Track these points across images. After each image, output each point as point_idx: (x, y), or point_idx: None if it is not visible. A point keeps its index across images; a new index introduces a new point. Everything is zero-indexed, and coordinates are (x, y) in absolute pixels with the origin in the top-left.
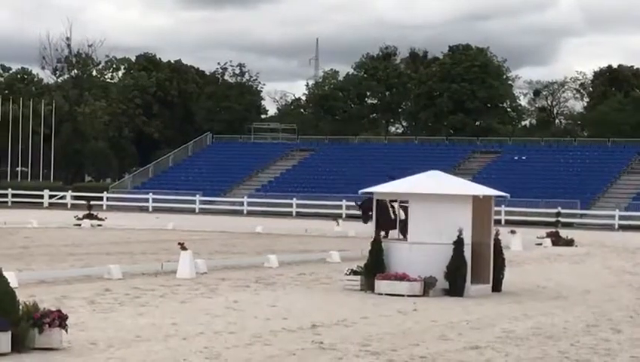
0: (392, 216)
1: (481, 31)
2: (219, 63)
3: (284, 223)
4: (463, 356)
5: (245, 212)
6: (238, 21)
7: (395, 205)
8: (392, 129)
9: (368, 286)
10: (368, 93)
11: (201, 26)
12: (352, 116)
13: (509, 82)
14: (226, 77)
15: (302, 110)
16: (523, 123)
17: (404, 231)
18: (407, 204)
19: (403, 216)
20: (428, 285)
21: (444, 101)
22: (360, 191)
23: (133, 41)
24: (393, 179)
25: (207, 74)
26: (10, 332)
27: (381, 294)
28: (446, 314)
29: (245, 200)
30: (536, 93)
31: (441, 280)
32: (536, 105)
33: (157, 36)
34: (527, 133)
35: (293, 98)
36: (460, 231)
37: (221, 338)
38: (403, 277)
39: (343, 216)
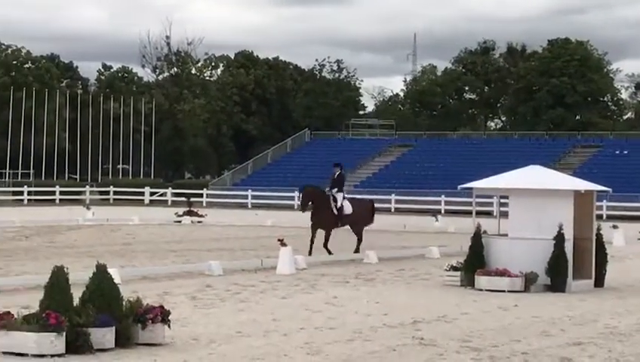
0: (335, 211)
1: (577, 24)
2: (316, 60)
3: (383, 219)
4: (566, 352)
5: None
6: (333, 17)
7: (339, 197)
8: (491, 124)
9: (468, 282)
10: (467, 88)
11: (296, 22)
12: (450, 111)
13: (610, 76)
14: (324, 73)
15: (400, 106)
16: (624, 117)
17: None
18: (358, 197)
19: (350, 211)
20: (529, 281)
21: (543, 95)
22: (459, 186)
23: (231, 38)
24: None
25: (305, 70)
26: (114, 328)
27: (481, 290)
28: (548, 310)
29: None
30: (638, 86)
31: (543, 275)
32: (638, 99)
33: (254, 33)
34: (628, 127)
35: (390, 94)
36: (561, 227)
37: (321, 333)
38: (504, 273)
39: (442, 211)
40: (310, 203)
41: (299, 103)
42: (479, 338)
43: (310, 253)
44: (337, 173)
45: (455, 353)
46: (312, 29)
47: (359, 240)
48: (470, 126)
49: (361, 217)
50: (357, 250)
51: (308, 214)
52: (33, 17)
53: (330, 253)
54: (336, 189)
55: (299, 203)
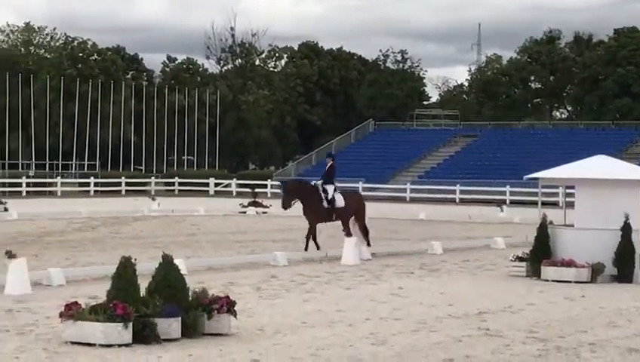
0: (326, 205)
1: None
2: (380, 50)
3: (448, 210)
4: (633, 343)
5: (408, 198)
6: (396, 7)
7: (330, 189)
8: (556, 114)
9: (534, 273)
10: (532, 78)
11: (359, 12)
12: (515, 101)
13: None
14: (388, 63)
15: (464, 96)
16: None
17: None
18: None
19: (342, 204)
20: (596, 271)
21: (609, 85)
22: (525, 176)
23: (295, 29)
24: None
25: (369, 61)
26: (180, 318)
27: (547, 280)
28: (614, 301)
29: (408, 186)
30: None
31: (609, 266)
32: None
33: (318, 24)
34: None
35: (455, 84)
36: (627, 217)
37: (387, 324)
38: (570, 264)
39: (507, 202)
40: (295, 199)
41: (363, 94)
42: (545, 329)
43: (316, 247)
44: (329, 165)
45: (521, 344)
46: (375, 19)
47: (366, 233)
48: (535, 116)
49: (357, 209)
50: (368, 243)
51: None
52: (99, 10)
53: (317, 246)
54: (323, 181)
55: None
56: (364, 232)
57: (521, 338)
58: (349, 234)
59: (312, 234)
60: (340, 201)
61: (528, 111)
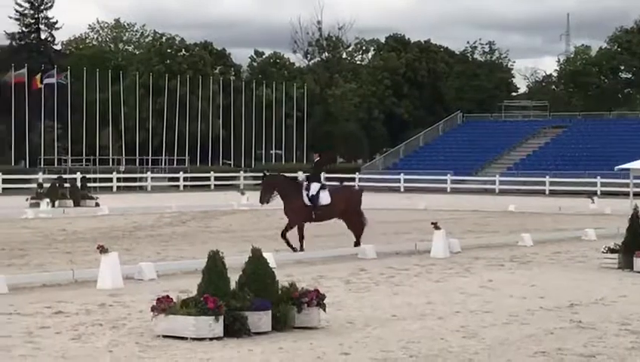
0: (307, 202)
1: None
2: (468, 42)
3: (537, 201)
4: None
5: (497, 191)
6: None
7: (313, 186)
8: None
9: (626, 264)
10: (622, 68)
11: (445, 4)
12: (605, 91)
13: None
14: (475, 55)
15: (553, 87)
16: None
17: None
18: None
19: (327, 201)
20: None
21: None
22: (616, 167)
23: (382, 22)
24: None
25: (456, 53)
26: (270, 312)
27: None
28: None
29: (497, 178)
30: None
31: None
32: None
33: (405, 17)
34: None
35: (543, 75)
36: None
37: (477, 317)
38: None
39: (598, 193)
40: (274, 194)
41: (450, 86)
42: (639, 321)
43: (302, 248)
44: (316, 160)
45: (614, 336)
46: (461, 10)
47: (359, 230)
48: (626, 106)
49: (347, 207)
50: (358, 242)
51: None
52: (186, 5)
53: (289, 244)
54: (308, 176)
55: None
56: (359, 229)
57: (613, 330)
58: (356, 234)
59: (285, 231)
60: (324, 199)
61: (618, 102)
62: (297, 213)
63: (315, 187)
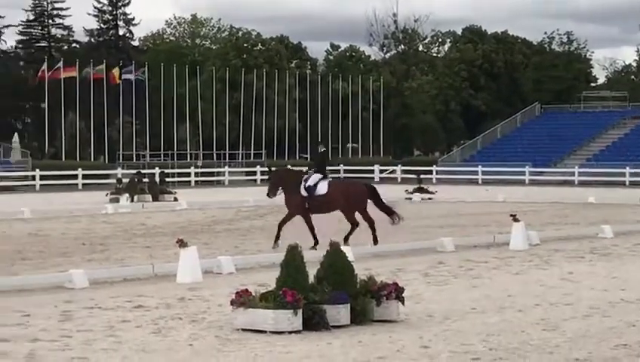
0: (304, 193)
1: None
2: (545, 33)
3: (617, 193)
4: None
5: (576, 182)
6: None
7: (313, 177)
8: None
9: None
10: None
11: None
12: None
13: None
14: (553, 46)
15: (632, 77)
16: None
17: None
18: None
19: (323, 192)
20: None
21: None
22: None
23: (458, 14)
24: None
25: (534, 44)
26: (349, 305)
27: None
28: None
29: (576, 170)
30: None
31: None
32: None
33: (481, 8)
34: None
35: (622, 65)
36: None
37: (557, 309)
38: None
39: None
40: (280, 188)
41: (528, 77)
42: None
43: (316, 242)
44: (319, 151)
45: None
46: (538, 0)
47: (352, 226)
48: None
49: (347, 201)
50: (346, 238)
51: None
52: (263, 0)
53: (277, 237)
54: (314, 169)
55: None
56: (352, 225)
57: None
58: (352, 226)
59: (282, 222)
60: (321, 190)
61: None
62: (294, 205)
63: (314, 178)
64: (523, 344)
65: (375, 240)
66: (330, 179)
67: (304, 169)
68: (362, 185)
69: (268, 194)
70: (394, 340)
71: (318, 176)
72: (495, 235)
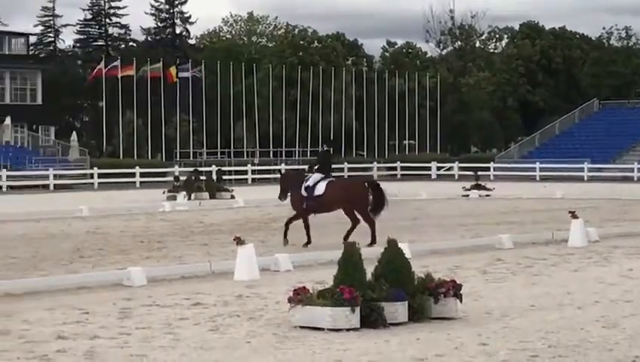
0: (304, 193)
1: None
2: (603, 28)
3: None
4: None
5: (635, 178)
6: None
7: (313, 177)
8: None
9: None
10: None
11: None
12: None
13: None
14: (612, 41)
15: None
16: None
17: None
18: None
19: (320, 192)
20: None
21: None
22: None
23: (515, 9)
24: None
25: (592, 39)
26: (407, 303)
27: None
28: None
29: (635, 166)
30: None
31: None
32: None
33: (539, 3)
34: None
35: None
36: None
37: (617, 306)
38: None
39: None
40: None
41: (586, 73)
42: None
43: (308, 242)
44: (320, 151)
45: None
46: None
47: (352, 225)
48: None
49: (344, 200)
50: (346, 236)
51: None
52: None
53: (285, 234)
54: (315, 169)
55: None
56: (371, 224)
57: None
58: (353, 225)
59: (289, 221)
60: (318, 190)
61: None
62: (296, 205)
63: (314, 178)
64: (582, 341)
65: (373, 240)
66: (331, 179)
67: (305, 168)
68: (362, 185)
69: (279, 198)
70: (452, 337)
71: (319, 176)
72: (554, 232)
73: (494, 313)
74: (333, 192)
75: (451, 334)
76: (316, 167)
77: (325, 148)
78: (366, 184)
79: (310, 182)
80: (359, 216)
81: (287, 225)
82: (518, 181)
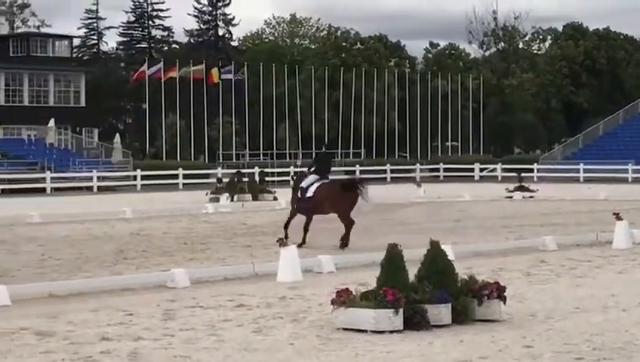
0: (299, 195)
1: None
2: None
3: None
4: None
5: None
6: None
7: (308, 178)
8: None
9: None
10: None
11: None
12: None
13: None
14: None
15: None
16: None
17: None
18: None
19: (310, 194)
20: None
21: None
22: None
23: (559, 10)
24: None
25: (637, 40)
26: (450, 305)
27: None
28: None
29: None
30: None
31: None
32: None
33: (582, 4)
34: None
35: None
36: None
37: None
38: None
39: None
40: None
41: (631, 74)
42: None
43: (303, 240)
44: (319, 152)
45: None
46: None
47: (346, 227)
48: None
49: (330, 203)
50: (343, 239)
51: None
52: None
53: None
54: (312, 170)
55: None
56: (347, 225)
57: None
58: (346, 226)
59: (305, 226)
60: (310, 192)
61: None
62: (292, 205)
63: (309, 180)
64: (627, 344)
65: (344, 243)
66: (324, 181)
67: (305, 170)
68: (340, 185)
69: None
70: (496, 340)
71: (314, 177)
72: (598, 234)
73: (538, 315)
74: (320, 195)
75: (495, 336)
76: (312, 168)
77: (324, 150)
78: (341, 185)
79: (304, 184)
80: (339, 216)
81: (305, 228)
82: (562, 182)
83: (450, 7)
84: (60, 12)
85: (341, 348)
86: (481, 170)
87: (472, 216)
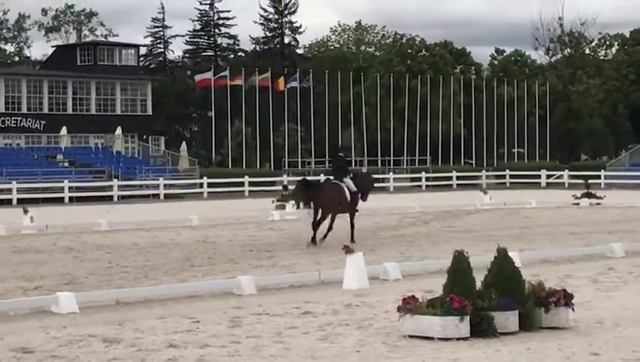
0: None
1: None
2: None
3: None
4: None
5: None
6: None
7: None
8: None
9: None
10: None
11: None
12: None
13: None
14: None
15: None
16: None
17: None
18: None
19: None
20: None
21: None
22: None
23: (626, 16)
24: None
25: None
26: (517, 312)
27: None
28: None
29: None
30: None
31: None
32: None
33: None
34: None
35: None
36: None
37: None
38: None
39: None
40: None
41: None
42: None
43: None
44: (335, 157)
45: None
46: None
47: (328, 228)
48: None
49: (327, 203)
50: (313, 239)
51: None
52: (426, 5)
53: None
54: (332, 177)
55: None
56: (328, 227)
57: None
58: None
59: (328, 229)
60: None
61: None
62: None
63: (347, 181)
64: None
65: (312, 242)
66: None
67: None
68: (336, 184)
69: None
70: (563, 347)
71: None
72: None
73: (606, 323)
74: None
75: (562, 344)
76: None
77: (339, 155)
78: (301, 184)
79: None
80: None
81: (327, 231)
82: (629, 189)
83: (516, 14)
84: (127, 21)
85: (407, 356)
86: (548, 176)
87: (539, 223)
